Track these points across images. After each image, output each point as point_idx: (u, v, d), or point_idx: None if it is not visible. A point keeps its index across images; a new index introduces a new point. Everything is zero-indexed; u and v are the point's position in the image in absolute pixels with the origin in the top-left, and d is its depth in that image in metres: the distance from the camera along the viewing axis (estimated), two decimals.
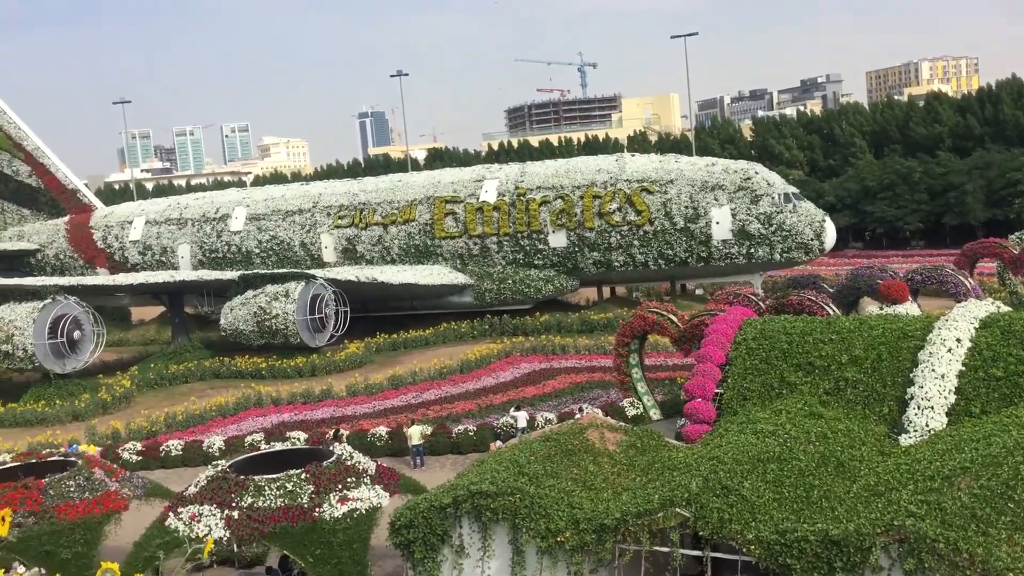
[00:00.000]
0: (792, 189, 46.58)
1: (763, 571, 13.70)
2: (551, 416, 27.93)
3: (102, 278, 50.59)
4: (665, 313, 26.55)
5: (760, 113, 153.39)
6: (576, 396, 32.34)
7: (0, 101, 60.35)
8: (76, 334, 38.67)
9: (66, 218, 60.13)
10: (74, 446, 25.67)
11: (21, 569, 4.44)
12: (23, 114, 61.31)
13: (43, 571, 4.21)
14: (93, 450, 25.08)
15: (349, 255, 50.97)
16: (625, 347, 27.47)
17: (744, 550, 13.62)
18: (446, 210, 48.78)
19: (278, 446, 22.66)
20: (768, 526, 13.60)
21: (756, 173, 45.55)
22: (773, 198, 44.46)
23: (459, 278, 47.74)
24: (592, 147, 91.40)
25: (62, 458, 20.55)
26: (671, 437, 20.97)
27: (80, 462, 19.33)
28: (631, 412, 27.03)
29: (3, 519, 4.05)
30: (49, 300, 38.37)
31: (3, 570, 4.36)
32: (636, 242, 45.46)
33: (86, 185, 67.85)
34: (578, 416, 21.76)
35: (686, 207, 44.71)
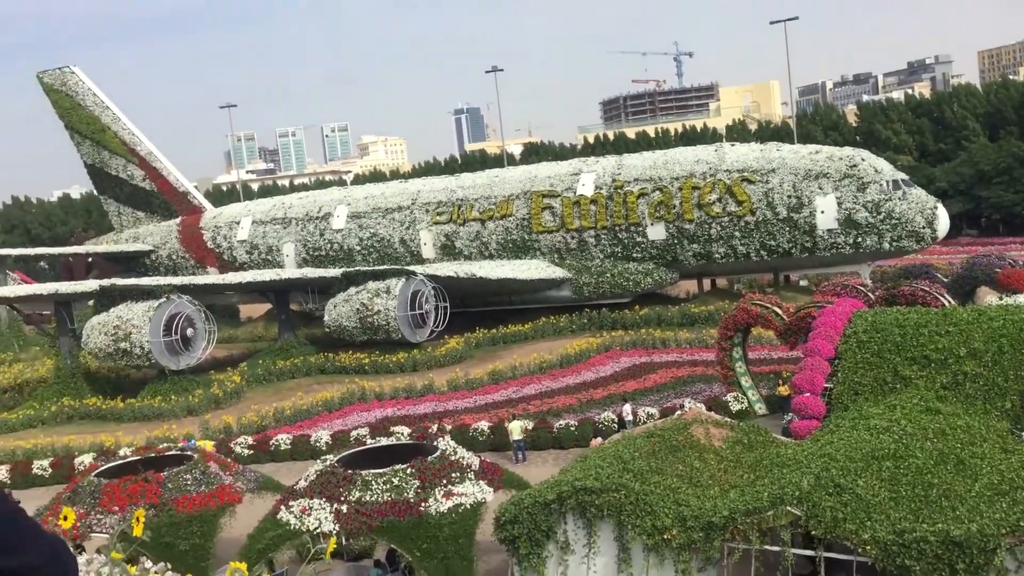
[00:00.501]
0: (901, 175, 44.94)
1: (879, 572, 13.24)
2: (653, 411, 27.63)
3: (212, 277, 52.30)
4: (769, 305, 25.95)
5: (865, 98, 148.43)
6: (678, 391, 31.92)
7: (115, 108, 62.97)
8: (189, 332, 40.07)
9: (178, 220, 62.35)
10: (192, 441, 26.57)
11: (148, 564, 4.59)
12: (136, 120, 63.85)
13: (168, 565, 4.33)
14: (209, 445, 25.96)
15: (448, 251, 51.44)
16: (728, 340, 26.97)
17: (859, 550, 13.19)
18: (543, 204, 48.75)
19: (383, 441, 22.99)
20: (884, 526, 13.14)
21: (863, 160, 44.09)
22: (881, 185, 42.97)
23: (557, 272, 47.67)
24: (690, 138, 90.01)
25: (178, 452, 21.32)
26: (777, 433, 20.50)
27: (196, 456, 20.02)
28: (735, 407, 26.54)
29: (137, 519, 4.16)
30: (164, 299, 39.84)
31: (132, 565, 4.50)
32: (737, 233, 44.58)
33: (195, 187, 70.25)
34: (681, 411, 21.45)
35: (789, 196, 43.60)
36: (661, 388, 32.54)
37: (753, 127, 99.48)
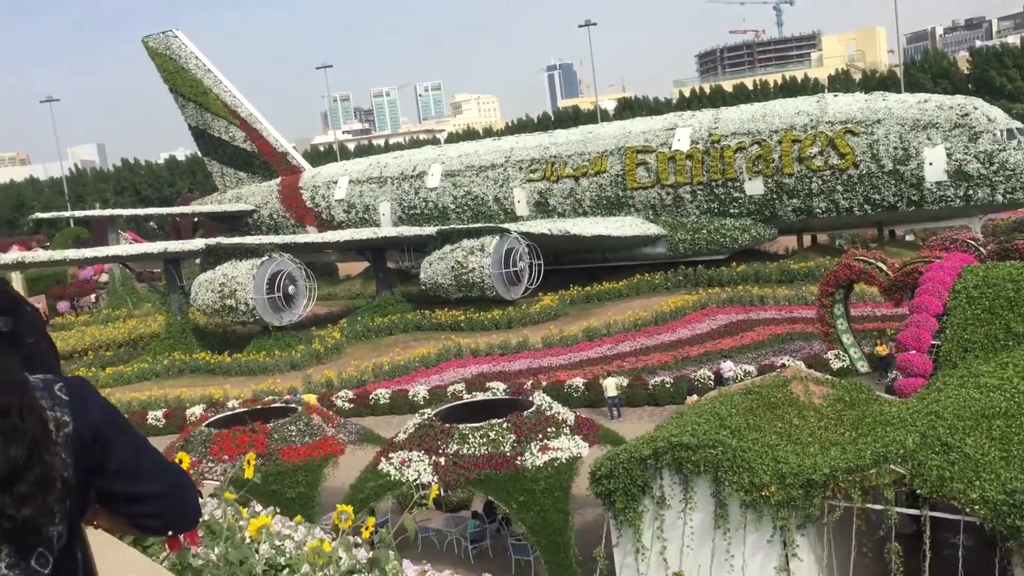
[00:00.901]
0: (1016, 124, 42.73)
1: (988, 532, 12.86)
2: (751, 368, 27.26)
3: (312, 236, 53.50)
4: (873, 261, 25.18)
5: (978, 43, 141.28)
6: (776, 348, 31.38)
7: (217, 72, 64.55)
8: (291, 289, 41.18)
9: (278, 180, 63.83)
10: (296, 395, 27.43)
11: (259, 508, 4.81)
12: (236, 83, 65.35)
13: (277, 509, 4.53)
14: (312, 399, 26.76)
15: (541, 208, 51.39)
16: (829, 297, 26.33)
17: (967, 510, 12.82)
18: (637, 160, 48.14)
19: (479, 396, 23.30)
20: (995, 486, 12.72)
21: (975, 108, 42.07)
22: (995, 135, 40.98)
23: (652, 229, 47.15)
24: (790, 89, 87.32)
25: (283, 405, 22.06)
26: (880, 391, 19.99)
27: (300, 409, 20.68)
28: (836, 365, 25.96)
29: (249, 462, 4.34)
30: (266, 257, 40.99)
31: (244, 508, 4.72)
32: (839, 187, 43.24)
33: (294, 148, 71.70)
34: (780, 368, 21.10)
35: (895, 148, 42.00)
36: (759, 346, 32.04)
37: (858, 77, 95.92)
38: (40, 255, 54.50)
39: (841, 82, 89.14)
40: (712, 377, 27.15)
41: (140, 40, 66.71)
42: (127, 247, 53.39)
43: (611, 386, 27.07)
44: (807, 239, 49.80)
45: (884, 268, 24.80)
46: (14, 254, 57.14)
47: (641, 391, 27.70)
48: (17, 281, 60.83)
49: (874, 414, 16.50)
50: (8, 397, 1.79)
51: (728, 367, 27.24)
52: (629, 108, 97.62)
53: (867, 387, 18.64)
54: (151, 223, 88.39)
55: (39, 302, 61.75)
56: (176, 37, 64.98)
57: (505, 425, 17.53)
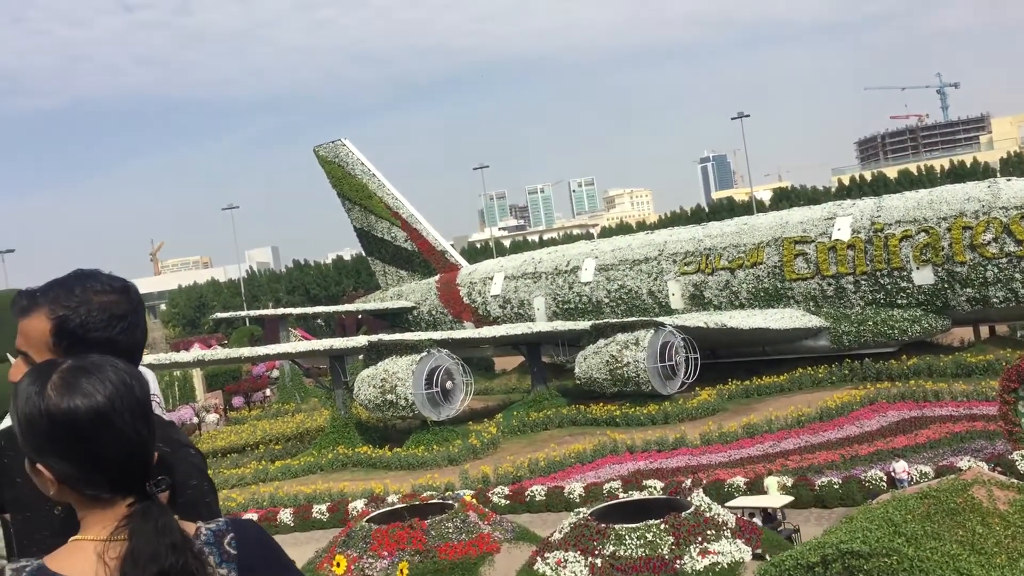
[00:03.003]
0: None
1: None
2: (927, 469, 25.61)
3: (469, 332, 54.63)
4: None
5: None
6: (955, 448, 29.39)
7: (380, 176, 67.94)
8: (448, 384, 41.97)
9: (436, 277, 65.88)
10: (460, 494, 27.57)
11: None
12: (398, 185, 68.52)
13: None
14: (469, 496, 26.92)
15: (696, 301, 50.75)
16: (1012, 393, 24.57)
17: None
18: (796, 251, 47.04)
19: (636, 495, 22.84)
20: None
21: None
22: None
23: (813, 321, 45.65)
24: (958, 174, 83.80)
25: (440, 500, 22.31)
26: None
27: (457, 505, 20.85)
28: (1023, 467, 24.04)
29: (401, 571, 4.45)
30: (425, 353, 42.07)
31: None
32: (1018, 275, 40.74)
33: (452, 245, 74.06)
34: (959, 471, 19.76)
35: None
36: (935, 444, 30.10)
37: None
38: (219, 352, 57.89)
39: (1014, 165, 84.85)
40: (884, 478, 25.66)
41: (312, 149, 71.26)
42: (296, 344, 56.04)
43: (773, 486, 25.97)
44: (984, 330, 46.92)
45: None
46: (195, 352, 60.95)
47: (807, 491, 26.43)
48: (197, 377, 64.67)
49: None
50: (165, 561, 1.88)
51: (901, 468, 25.68)
52: (786, 198, 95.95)
53: None
54: (319, 320, 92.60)
55: (216, 397, 65.34)
56: (344, 145, 69.02)
57: (663, 526, 17.09)
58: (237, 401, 64.34)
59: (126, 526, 1.94)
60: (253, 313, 79.95)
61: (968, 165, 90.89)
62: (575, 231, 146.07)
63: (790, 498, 24.99)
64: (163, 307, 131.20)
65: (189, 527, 2.00)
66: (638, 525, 17.27)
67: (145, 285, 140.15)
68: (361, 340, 48.01)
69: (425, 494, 25.80)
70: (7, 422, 4.48)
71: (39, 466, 1.97)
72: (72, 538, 1.99)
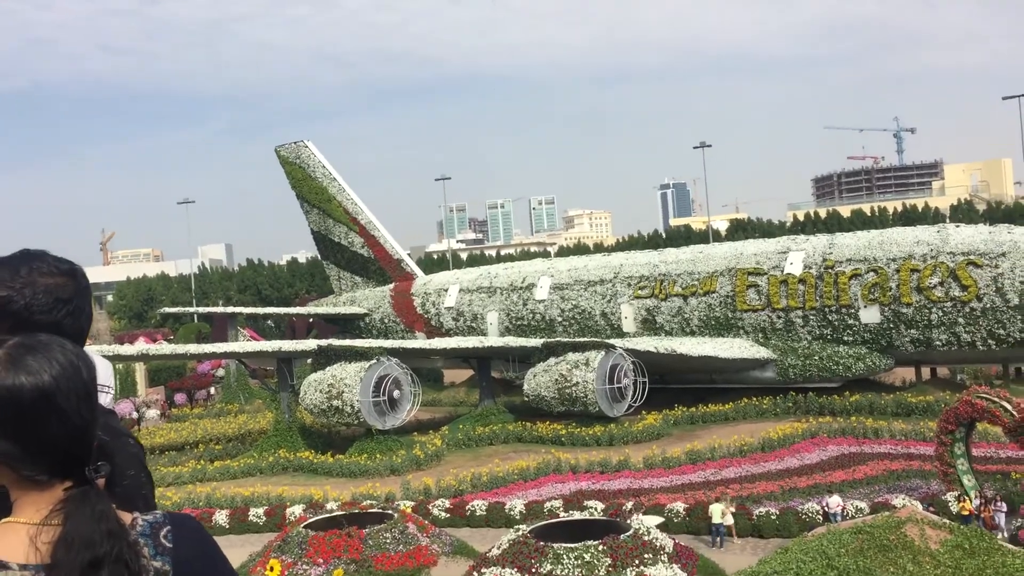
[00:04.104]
0: None
1: None
2: (862, 505, 26.01)
3: (421, 342, 54.44)
4: (998, 400, 23.99)
5: None
6: (891, 485, 29.89)
7: (341, 180, 67.57)
8: (396, 393, 41.73)
9: (391, 285, 65.57)
10: (399, 504, 27.38)
11: None
12: (358, 190, 68.17)
13: None
14: (408, 507, 26.74)
15: (648, 325, 51.12)
16: (949, 435, 25.09)
17: None
18: (748, 282, 47.65)
19: (576, 515, 22.88)
20: None
21: None
22: None
23: (761, 352, 46.23)
24: (909, 217, 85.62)
25: (380, 510, 22.14)
26: (1005, 541, 18.76)
27: (396, 515, 20.71)
28: (955, 507, 24.53)
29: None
30: (374, 361, 41.80)
31: None
32: (961, 320, 41.68)
33: (409, 255, 73.80)
34: (894, 508, 20.10)
35: (1022, 283, 40.44)
36: (872, 481, 30.59)
37: (981, 207, 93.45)
38: (164, 348, 57.01)
39: (964, 212, 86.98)
40: (820, 511, 26.00)
41: (274, 149, 70.67)
42: (244, 344, 55.36)
43: (717, 512, 26.17)
44: (926, 371, 47.91)
45: (1009, 408, 23.58)
46: (140, 345, 59.91)
47: (745, 520, 26.68)
48: (140, 371, 63.51)
49: (996, 565, 15.47)
50: (100, 549, 1.83)
51: (835, 502, 26.04)
52: (742, 229, 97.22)
53: (989, 535, 17.54)
54: (269, 321, 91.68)
55: (159, 393, 64.24)
56: (306, 147, 68.55)
57: (601, 548, 17.14)
58: (180, 398, 63.36)
59: (61, 510, 1.89)
60: (202, 310, 78.91)
61: (920, 209, 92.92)
62: (533, 248, 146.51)
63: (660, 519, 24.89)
64: (110, 298, 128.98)
65: (125, 517, 1.96)
66: (576, 545, 17.29)
67: (93, 275, 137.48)
68: (311, 344, 47.58)
69: (365, 503, 25.57)
70: None
71: None
72: (3, 520, 1.93)
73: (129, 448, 2.28)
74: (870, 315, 43.99)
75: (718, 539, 25.81)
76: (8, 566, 1.82)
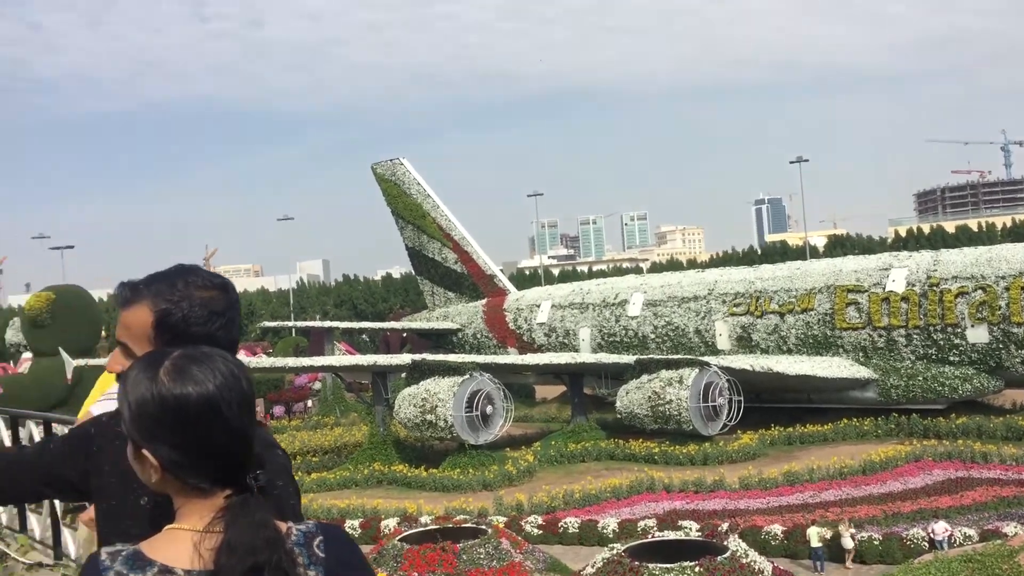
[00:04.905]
0: None
1: None
2: (971, 532, 25.01)
3: (513, 357, 54.65)
4: None
5: None
6: (1002, 512, 28.65)
7: (435, 197, 68.50)
8: (488, 409, 41.96)
9: (483, 301, 66.04)
10: (492, 520, 27.44)
11: None
12: (452, 207, 68.98)
13: None
14: (501, 523, 26.82)
15: (743, 343, 50.26)
16: None
17: None
18: (848, 299, 46.40)
19: (670, 535, 22.62)
20: None
21: None
22: None
23: (861, 372, 44.91)
24: (1020, 233, 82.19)
25: (474, 525, 22.29)
26: None
27: (490, 531, 20.82)
28: None
29: None
30: (468, 376, 42.13)
31: None
32: None
33: (501, 270, 74.24)
34: (1006, 537, 19.28)
35: None
36: (981, 507, 29.38)
37: None
38: (263, 361, 58.59)
39: None
40: (926, 538, 25.10)
41: (370, 166, 72.10)
42: (340, 358, 56.50)
43: (815, 536, 25.54)
44: None
45: None
46: (241, 359, 61.60)
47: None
48: None
49: None
50: (260, 556, 1.87)
51: (941, 528, 25.09)
52: (840, 245, 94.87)
53: None
54: (364, 336, 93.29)
55: (258, 405, 66.02)
56: (401, 164, 69.74)
57: (698, 569, 16.92)
58: (278, 410, 64.94)
59: (223, 517, 1.95)
60: (300, 324, 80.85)
61: None
62: (625, 264, 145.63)
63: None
64: None
65: (280, 526, 2.02)
66: (672, 566, 17.11)
67: None
68: (405, 358, 48.25)
69: (458, 517, 25.77)
70: (103, 407, 4.69)
71: (144, 452, 2.01)
72: (168, 527, 2.02)
73: (278, 459, 2.36)
74: (978, 335, 42.32)
75: (818, 563, 25.17)
76: (174, 572, 1.91)
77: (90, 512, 4.96)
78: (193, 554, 1.91)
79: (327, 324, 75.61)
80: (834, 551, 25.76)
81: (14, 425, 9.59)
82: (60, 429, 8.06)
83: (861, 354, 45.81)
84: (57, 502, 9.23)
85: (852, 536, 25.22)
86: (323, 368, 53.76)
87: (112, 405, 4.83)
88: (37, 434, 8.95)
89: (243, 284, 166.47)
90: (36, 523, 10.16)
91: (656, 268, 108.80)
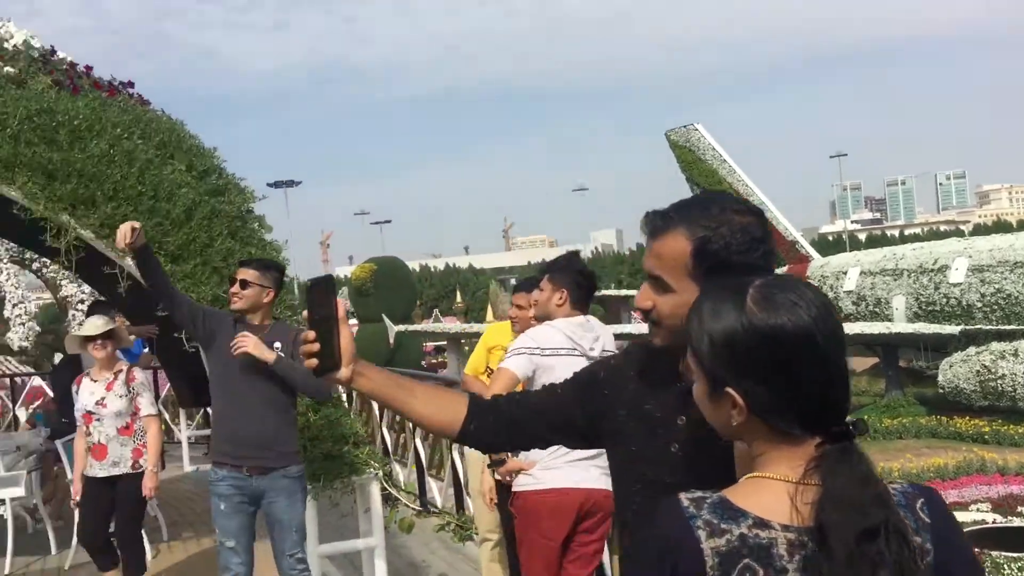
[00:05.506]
0: None
1: None
2: None
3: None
4: None
5: None
6: None
7: (732, 162, 66.63)
8: None
9: (784, 268, 63.39)
10: None
11: None
12: (748, 171, 66.76)
13: None
14: None
15: None
16: None
17: None
18: None
19: (1016, 521, 20.45)
20: None
21: None
22: None
23: None
24: None
25: None
26: None
27: None
28: None
29: None
30: None
31: None
32: None
33: (801, 236, 71.02)
34: None
35: None
36: None
37: None
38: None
39: None
40: None
41: (664, 134, 71.56)
42: (636, 327, 56.78)
43: None
44: None
45: None
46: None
47: None
48: None
49: None
50: (873, 516, 1.59)
51: None
52: None
53: None
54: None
55: None
56: (696, 130, 68.38)
57: None
58: None
59: (817, 468, 1.65)
60: (596, 293, 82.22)
61: None
62: (942, 227, 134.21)
63: None
64: (513, 281, 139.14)
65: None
66: (1020, 555, 15.36)
67: (497, 260, 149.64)
68: (953, 329, 47.56)
69: None
70: (517, 364, 4.77)
71: (729, 390, 1.76)
72: (749, 475, 1.77)
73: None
74: None
75: None
76: (770, 525, 1.65)
77: (511, 464, 5.04)
78: (790, 508, 1.64)
79: (623, 292, 76.33)
80: None
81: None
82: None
83: None
84: (422, 453, 9.90)
85: None
86: (621, 336, 54.23)
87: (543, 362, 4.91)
88: None
89: (540, 254, 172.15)
90: (401, 474, 10.91)
91: (979, 231, 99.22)
